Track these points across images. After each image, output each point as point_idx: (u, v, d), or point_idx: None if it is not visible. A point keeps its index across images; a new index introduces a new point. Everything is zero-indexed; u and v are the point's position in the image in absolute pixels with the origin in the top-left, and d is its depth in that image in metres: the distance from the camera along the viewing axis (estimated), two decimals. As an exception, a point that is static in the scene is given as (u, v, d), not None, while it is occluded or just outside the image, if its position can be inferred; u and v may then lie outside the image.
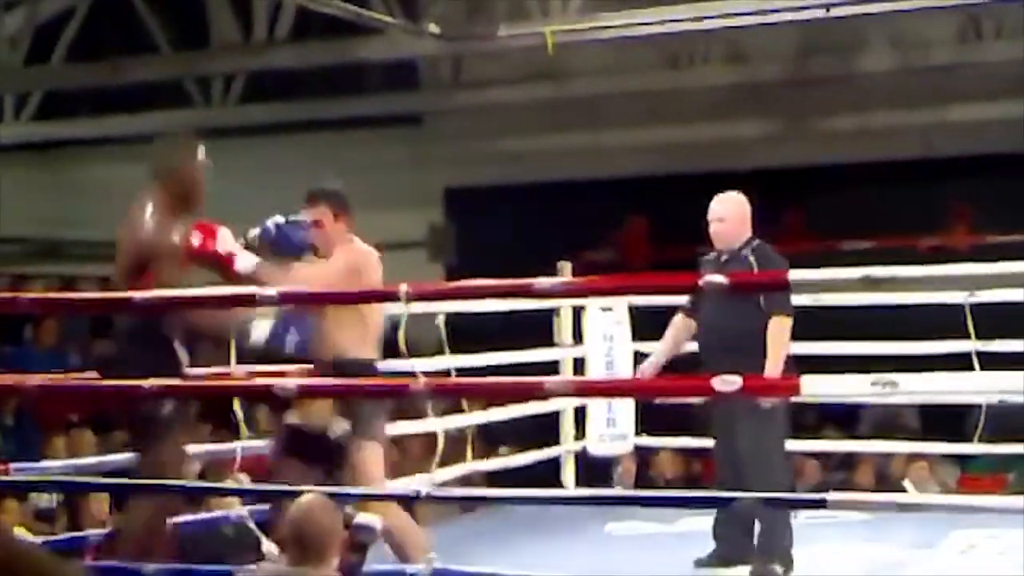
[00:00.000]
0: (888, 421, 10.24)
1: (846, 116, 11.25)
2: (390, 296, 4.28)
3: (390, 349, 5.09)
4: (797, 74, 10.88)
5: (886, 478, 8.87)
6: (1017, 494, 8.39)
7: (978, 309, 6.64)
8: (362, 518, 4.96)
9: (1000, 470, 9.11)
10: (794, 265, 4.72)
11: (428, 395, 4.47)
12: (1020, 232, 9.99)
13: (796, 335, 7.03)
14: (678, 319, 5.84)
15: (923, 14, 9.59)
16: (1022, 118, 10.48)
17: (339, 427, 4.89)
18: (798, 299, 5.71)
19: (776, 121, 11.56)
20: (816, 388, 3.86)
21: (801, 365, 5.25)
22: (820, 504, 3.71)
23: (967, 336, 6.63)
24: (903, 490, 8.49)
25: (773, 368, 5.38)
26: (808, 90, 11.08)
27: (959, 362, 6.63)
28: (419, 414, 6.65)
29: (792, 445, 8.03)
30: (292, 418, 4.92)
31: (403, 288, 4.19)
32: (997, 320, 6.67)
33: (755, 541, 5.51)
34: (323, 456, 4.90)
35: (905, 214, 10.89)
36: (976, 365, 6.57)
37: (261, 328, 4.87)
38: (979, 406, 6.78)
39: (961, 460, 9.03)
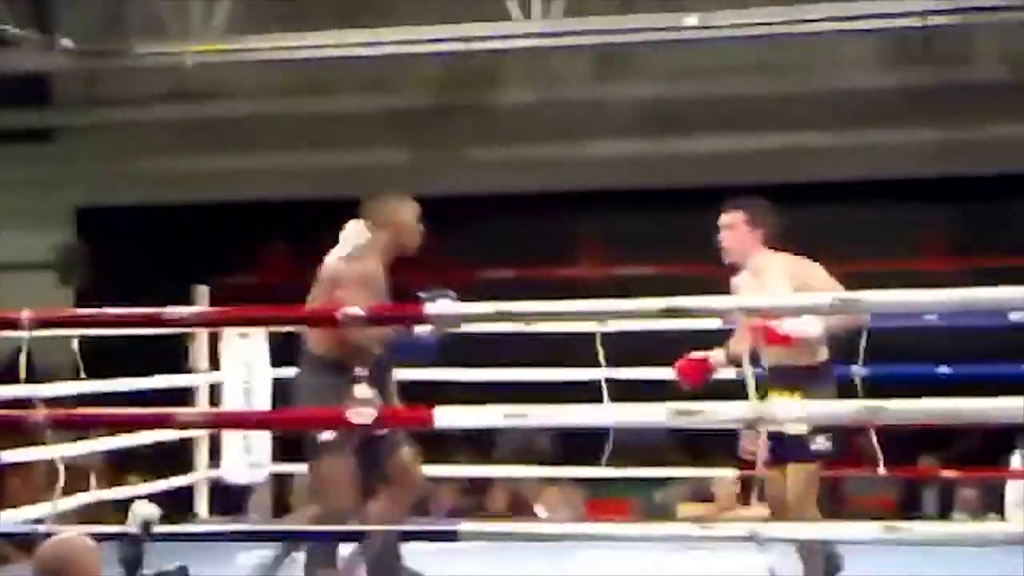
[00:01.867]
0: (524, 445, 10.46)
1: (486, 147, 11.47)
2: (9, 323, 4.06)
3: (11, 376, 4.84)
4: (440, 104, 11.04)
5: (520, 502, 9.07)
6: (641, 517, 8.78)
7: (608, 338, 6.89)
8: None
9: (626, 493, 9.46)
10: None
11: (50, 426, 4.24)
12: (647, 264, 10.44)
13: (436, 362, 7.06)
14: None
15: (561, 52, 9.93)
16: (646, 155, 10.99)
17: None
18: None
19: (418, 150, 11.67)
20: (449, 419, 3.90)
21: (439, 392, 5.30)
22: (451, 537, 3.73)
23: (598, 364, 6.87)
24: (535, 514, 8.72)
25: None
26: (450, 120, 11.25)
27: (590, 389, 6.88)
28: (40, 440, 6.36)
29: (428, 469, 8.15)
30: None
31: (24, 314, 4.01)
32: (627, 348, 6.93)
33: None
34: None
35: (541, 244, 11.19)
36: (605, 392, 6.83)
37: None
38: (608, 432, 7.02)
39: (593, 484, 9.32)
